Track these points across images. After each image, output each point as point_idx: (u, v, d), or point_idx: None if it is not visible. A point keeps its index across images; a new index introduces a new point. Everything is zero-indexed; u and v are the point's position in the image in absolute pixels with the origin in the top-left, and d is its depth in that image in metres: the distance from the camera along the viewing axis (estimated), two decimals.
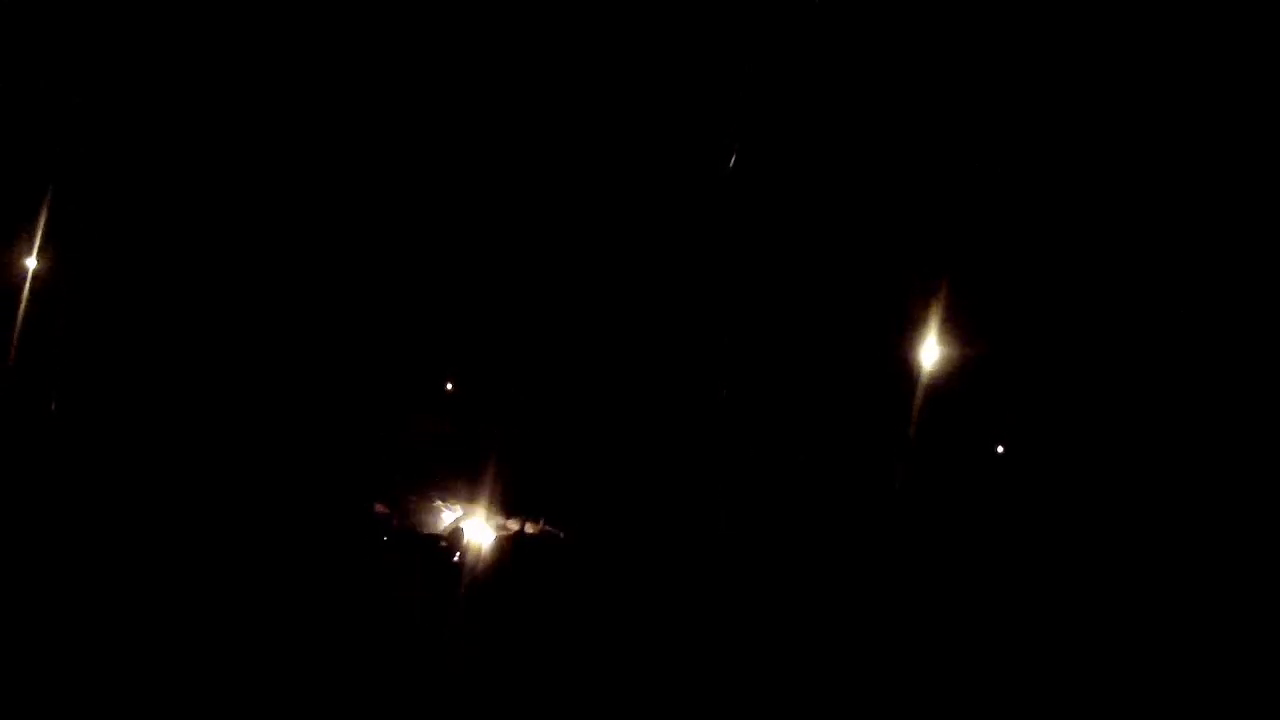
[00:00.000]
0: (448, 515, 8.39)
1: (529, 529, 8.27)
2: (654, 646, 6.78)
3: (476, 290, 8.28)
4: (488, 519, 8.30)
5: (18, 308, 7.81)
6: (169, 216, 8.09)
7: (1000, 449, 7.82)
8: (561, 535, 8.23)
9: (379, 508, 8.36)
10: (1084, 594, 6.86)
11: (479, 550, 8.06)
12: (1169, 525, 6.98)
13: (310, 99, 7.96)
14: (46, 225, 7.87)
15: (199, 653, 6.56)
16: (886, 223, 7.88)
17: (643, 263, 8.11)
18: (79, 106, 7.79)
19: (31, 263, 7.88)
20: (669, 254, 8.04)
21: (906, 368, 7.49)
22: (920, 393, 7.44)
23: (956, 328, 7.49)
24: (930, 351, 7.48)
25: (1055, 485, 7.47)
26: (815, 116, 7.97)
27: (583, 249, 8.09)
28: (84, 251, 7.95)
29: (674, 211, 7.99)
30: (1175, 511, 6.98)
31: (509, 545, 8.13)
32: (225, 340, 8.19)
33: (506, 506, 8.32)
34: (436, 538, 8.24)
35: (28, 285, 7.86)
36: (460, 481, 8.42)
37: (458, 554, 8.08)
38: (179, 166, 8.08)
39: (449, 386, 8.48)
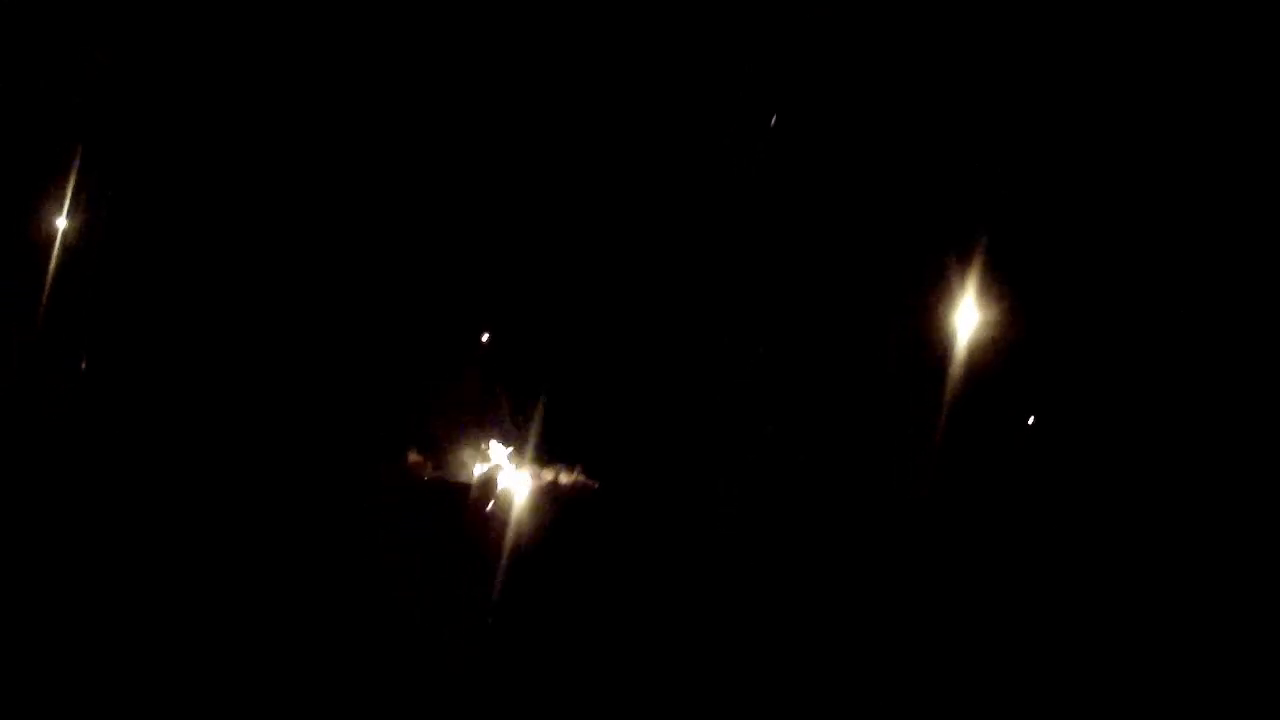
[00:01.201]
0: (481, 465, 8.41)
1: (564, 479, 8.29)
2: (685, 613, 6.80)
3: (512, 242, 8.21)
4: (522, 469, 8.32)
5: (47, 266, 7.69)
6: (204, 170, 7.99)
7: (1031, 419, 7.75)
8: (596, 486, 8.26)
9: (412, 457, 8.37)
10: (1121, 577, 6.73)
11: (512, 500, 8.09)
12: (1206, 499, 6.86)
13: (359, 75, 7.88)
14: (76, 185, 7.74)
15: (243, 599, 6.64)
16: (920, 189, 7.77)
17: (682, 220, 8.04)
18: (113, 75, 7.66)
19: (62, 222, 7.73)
20: (710, 210, 7.97)
21: (938, 333, 7.45)
22: (952, 359, 7.40)
23: (990, 292, 7.42)
24: (964, 316, 7.42)
25: (1090, 459, 7.37)
26: (847, 88, 7.86)
27: (625, 207, 8.03)
28: (118, 209, 7.84)
29: (719, 168, 7.92)
30: (1216, 486, 6.86)
31: (543, 496, 8.16)
32: (259, 288, 8.11)
33: (541, 457, 8.33)
34: (469, 487, 8.28)
35: (58, 243, 7.73)
36: (495, 431, 8.43)
37: (491, 504, 8.12)
38: (219, 129, 7.97)
39: (484, 337, 8.44)
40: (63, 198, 7.73)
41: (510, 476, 8.28)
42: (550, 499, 8.14)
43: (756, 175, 7.96)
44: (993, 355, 7.38)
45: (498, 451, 8.41)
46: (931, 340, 7.45)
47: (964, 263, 7.40)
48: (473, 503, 8.13)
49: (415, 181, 8.15)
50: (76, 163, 7.72)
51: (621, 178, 8.11)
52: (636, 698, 6.35)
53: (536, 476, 8.32)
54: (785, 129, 7.93)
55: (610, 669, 6.59)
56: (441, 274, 8.22)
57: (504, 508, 8.02)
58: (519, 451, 8.36)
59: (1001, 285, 7.36)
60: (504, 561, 7.66)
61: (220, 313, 8.09)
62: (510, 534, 7.82)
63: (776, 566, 7.13)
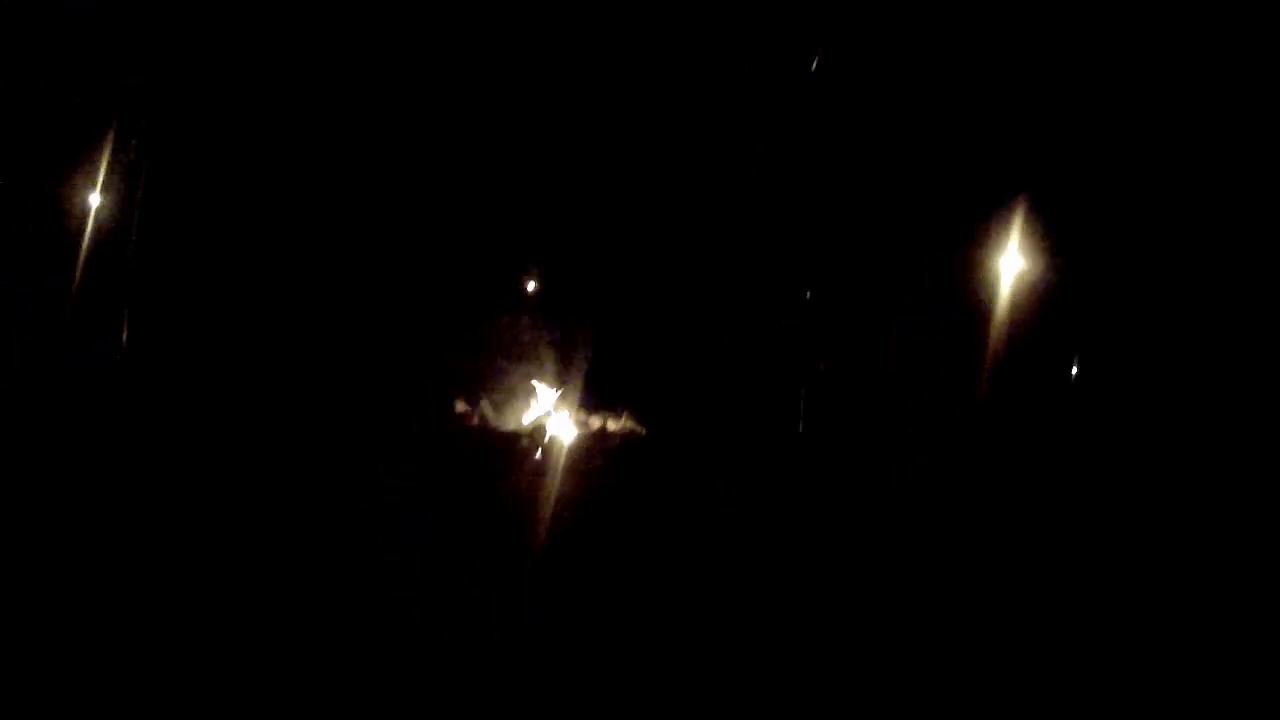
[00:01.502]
0: (530, 412, 8.39)
1: (612, 426, 8.28)
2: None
3: (559, 188, 8.16)
4: (571, 415, 8.30)
5: (82, 239, 7.60)
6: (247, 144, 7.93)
7: (1075, 368, 7.66)
8: (645, 432, 8.24)
9: (459, 405, 8.35)
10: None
11: (562, 448, 8.07)
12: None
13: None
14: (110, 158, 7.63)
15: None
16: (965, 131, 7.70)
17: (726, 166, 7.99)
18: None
19: (95, 199, 7.63)
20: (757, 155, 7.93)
21: (981, 276, 7.40)
22: (996, 303, 7.36)
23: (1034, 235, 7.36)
24: (1008, 260, 7.36)
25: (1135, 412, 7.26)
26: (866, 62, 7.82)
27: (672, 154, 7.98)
28: (156, 181, 7.76)
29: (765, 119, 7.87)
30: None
31: (593, 443, 8.14)
32: (303, 237, 8.06)
33: (590, 403, 8.31)
34: (518, 435, 8.25)
35: (92, 217, 7.62)
36: (543, 378, 8.41)
37: (540, 451, 8.09)
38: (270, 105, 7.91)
39: (531, 283, 8.41)
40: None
41: (559, 424, 8.26)
42: (600, 446, 8.13)
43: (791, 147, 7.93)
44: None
45: (545, 399, 8.40)
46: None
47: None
48: (521, 450, 8.10)
49: (459, 127, 8.08)
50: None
51: (668, 131, 8.06)
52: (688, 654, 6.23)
53: (585, 424, 8.30)
54: (801, 103, 7.89)
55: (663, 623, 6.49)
56: (487, 221, 8.18)
57: (553, 455, 7.99)
58: (567, 399, 8.36)
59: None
60: (553, 510, 7.60)
61: (252, 262, 8.02)
62: (559, 481, 7.78)
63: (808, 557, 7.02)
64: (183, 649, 5.22)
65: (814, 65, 7.89)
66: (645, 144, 7.95)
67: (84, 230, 7.46)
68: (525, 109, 7.95)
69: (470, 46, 7.86)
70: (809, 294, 7.99)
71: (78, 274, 7.43)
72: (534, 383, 8.37)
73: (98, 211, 7.48)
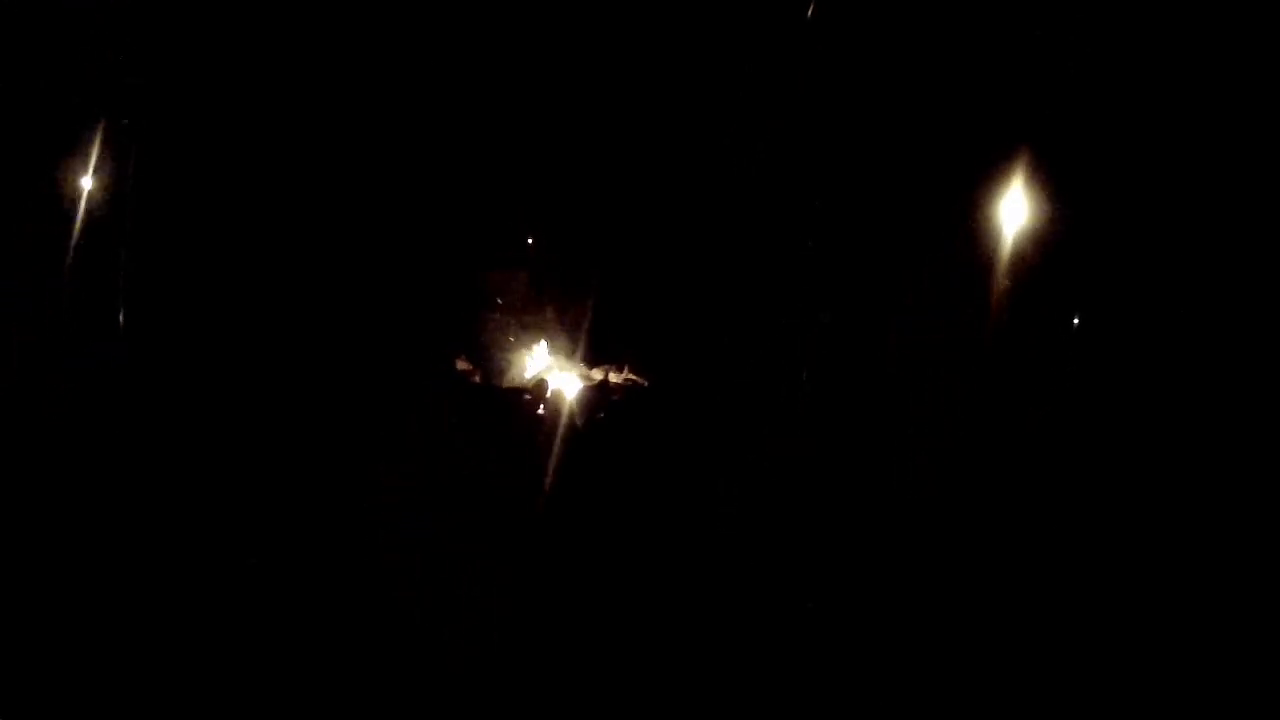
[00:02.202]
0: (531, 367, 8.43)
1: (613, 378, 8.30)
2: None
3: (556, 142, 8.09)
4: (572, 369, 8.33)
5: (82, 239, 7.62)
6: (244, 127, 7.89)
7: (1076, 320, 7.54)
8: (646, 384, 8.26)
9: (460, 363, 8.39)
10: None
11: (564, 401, 8.10)
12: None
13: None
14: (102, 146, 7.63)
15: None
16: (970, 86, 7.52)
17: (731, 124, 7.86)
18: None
19: (95, 198, 7.63)
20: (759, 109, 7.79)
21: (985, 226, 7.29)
22: (1000, 254, 7.26)
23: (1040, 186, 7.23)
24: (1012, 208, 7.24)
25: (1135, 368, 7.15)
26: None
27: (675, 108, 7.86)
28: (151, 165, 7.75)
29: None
30: None
31: (594, 396, 8.17)
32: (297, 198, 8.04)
33: (590, 355, 8.33)
34: (520, 391, 8.29)
35: (92, 216, 7.62)
36: (543, 332, 8.44)
37: (541, 406, 8.13)
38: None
39: (529, 240, 8.39)
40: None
41: (560, 378, 8.30)
42: (601, 399, 8.16)
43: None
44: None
45: (546, 354, 8.43)
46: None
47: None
48: (524, 406, 8.14)
49: (454, 91, 8.00)
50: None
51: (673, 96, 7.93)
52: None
53: (586, 377, 8.33)
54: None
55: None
56: (484, 181, 8.13)
57: (555, 409, 8.04)
58: (567, 353, 8.38)
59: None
60: (559, 463, 7.65)
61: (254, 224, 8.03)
62: (563, 435, 7.83)
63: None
64: (184, 648, 5.29)
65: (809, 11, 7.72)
66: (647, 113, 7.83)
67: (84, 230, 7.52)
68: (522, 78, 7.85)
69: (470, 26, 7.76)
70: (810, 244, 7.88)
71: (77, 274, 7.48)
72: (532, 338, 8.40)
73: (98, 211, 7.56)
